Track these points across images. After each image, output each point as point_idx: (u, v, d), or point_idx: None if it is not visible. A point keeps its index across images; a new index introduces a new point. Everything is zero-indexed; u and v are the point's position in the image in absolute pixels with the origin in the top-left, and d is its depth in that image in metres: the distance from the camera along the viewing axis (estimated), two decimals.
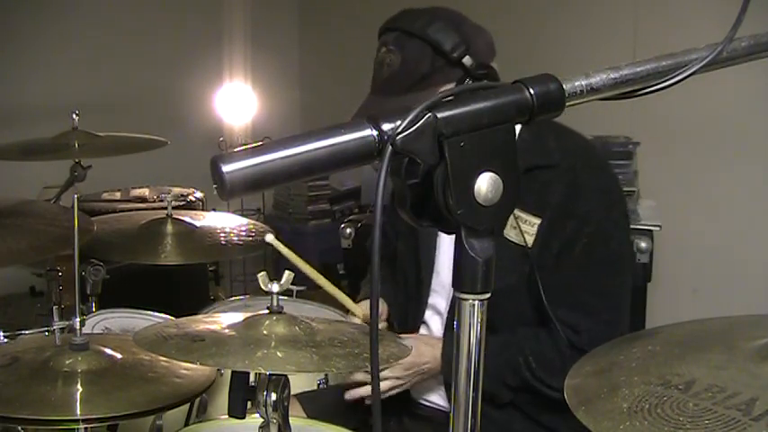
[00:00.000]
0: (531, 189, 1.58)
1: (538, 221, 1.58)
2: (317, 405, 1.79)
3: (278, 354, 1.20)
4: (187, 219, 2.21)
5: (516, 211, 1.58)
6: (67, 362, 1.37)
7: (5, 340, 1.71)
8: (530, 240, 1.57)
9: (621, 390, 0.84)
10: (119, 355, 1.44)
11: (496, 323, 1.57)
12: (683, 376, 0.83)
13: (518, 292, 1.60)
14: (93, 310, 2.12)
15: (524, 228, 1.58)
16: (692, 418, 0.75)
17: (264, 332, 1.28)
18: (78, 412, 1.27)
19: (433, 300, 1.78)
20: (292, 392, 1.75)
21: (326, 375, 1.98)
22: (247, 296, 2.92)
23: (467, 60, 1.50)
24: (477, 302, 0.75)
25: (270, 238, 1.82)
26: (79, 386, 1.33)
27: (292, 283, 1.35)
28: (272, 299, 1.33)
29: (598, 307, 1.59)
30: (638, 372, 0.88)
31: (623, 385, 0.85)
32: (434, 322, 1.79)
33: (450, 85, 1.52)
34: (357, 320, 1.79)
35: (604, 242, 1.59)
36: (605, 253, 1.60)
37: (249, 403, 1.27)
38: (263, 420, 1.27)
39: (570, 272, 1.58)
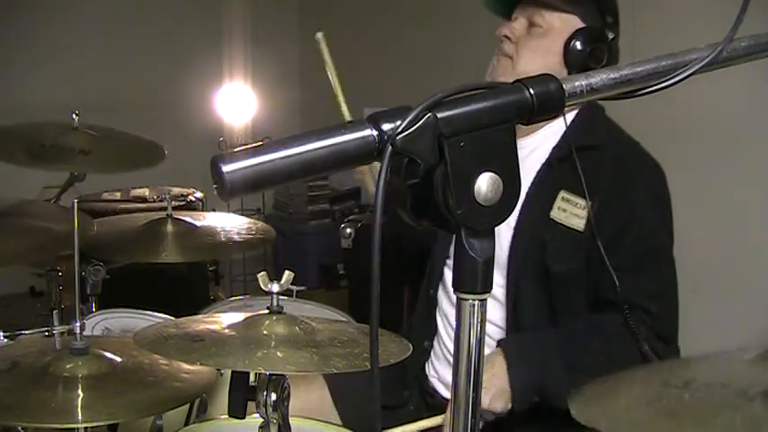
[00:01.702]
0: (578, 171, 1.60)
1: (584, 203, 1.59)
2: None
3: (278, 354, 1.20)
4: (187, 219, 2.21)
5: (563, 193, 1.61)
6: (68, 366, 1.36)
7: (5, 340, 1.70)
8: (580, 224, 1.59)
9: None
10: (119, 359, 1.43)
11: (558, 309, 1.59)
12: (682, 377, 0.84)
13: (577, 278, 1.60)
14: (94, 310, 2.12)
15: (573, 210, 1.59)
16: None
17: (264, 332, 1.27)
18: (79, 418, 1.26)
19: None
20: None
21: None
22: (247, 296, 2.92)
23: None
24: (477, 302, 0.75)
25: (319, 35, 1.84)
26: (80, 391, 1.32)
27: (292, 283, 1.35)
28: (272, 299, 1.33)
29: (659, 292, 1.62)
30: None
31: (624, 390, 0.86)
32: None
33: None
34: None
35: (654, 233, 1.63)
36: (657, 244, 1.64)
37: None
38: (263, 420, 1.27)
39: (625, 260, 1.58)
